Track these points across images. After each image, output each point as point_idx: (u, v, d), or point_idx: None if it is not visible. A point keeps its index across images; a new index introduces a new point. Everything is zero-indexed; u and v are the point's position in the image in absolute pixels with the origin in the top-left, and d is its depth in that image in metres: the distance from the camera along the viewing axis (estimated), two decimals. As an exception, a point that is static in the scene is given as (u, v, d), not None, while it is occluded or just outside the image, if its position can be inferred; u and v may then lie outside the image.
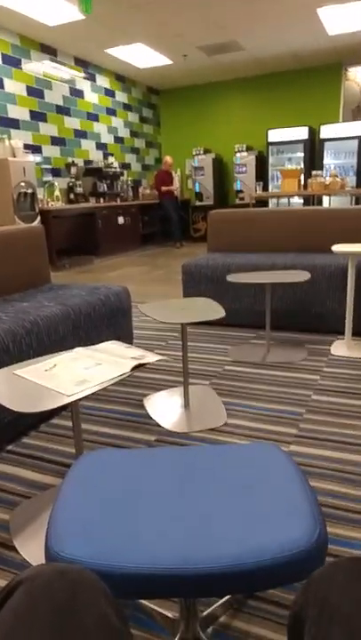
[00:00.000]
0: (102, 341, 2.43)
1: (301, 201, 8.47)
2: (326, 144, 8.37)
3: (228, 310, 3.40)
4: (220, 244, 3.89)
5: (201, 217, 9.38)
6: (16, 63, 6.57)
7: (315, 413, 2.08)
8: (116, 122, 8.81)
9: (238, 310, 3.39)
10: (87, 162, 8.05)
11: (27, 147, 6.77)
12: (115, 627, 0.50)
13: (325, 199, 8.35)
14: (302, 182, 6.93)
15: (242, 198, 8.95)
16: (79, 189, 7.60)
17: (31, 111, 6.88)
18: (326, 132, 8.33)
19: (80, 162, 7.87)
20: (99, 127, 8.33)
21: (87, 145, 8.07)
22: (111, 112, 8.64)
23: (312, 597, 0.52)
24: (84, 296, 2.44)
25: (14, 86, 6.57)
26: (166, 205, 8.53)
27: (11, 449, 1.88)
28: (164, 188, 8.45)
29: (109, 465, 0.97)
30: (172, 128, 10.10)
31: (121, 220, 8.04)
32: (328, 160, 8.49)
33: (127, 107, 9.07)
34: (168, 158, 8.57)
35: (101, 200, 7.90)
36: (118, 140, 8.92)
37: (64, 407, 1.21)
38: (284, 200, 8.24)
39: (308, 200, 8.28)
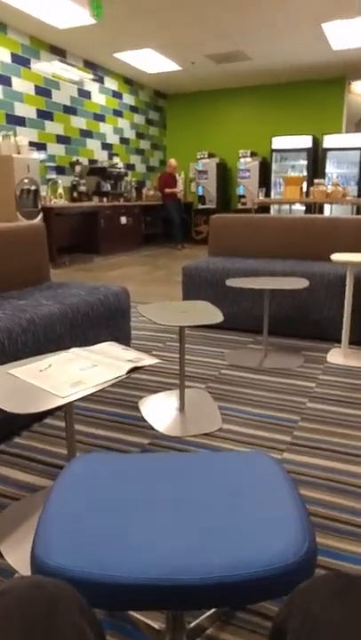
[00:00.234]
0: (100, 341, 2.43)
1: (303, 208, 8.48)
2: (329, 153, 8.41)
3: (227, 314, 3.40)
4: (220, 249, 3.89)
5: (203, 220, 9.39)
6: (25, 63, 6.58)
7: (309, 421, 2.08)
8: (123, 123, 8.83)
9: (237, 314, 3.39)
10: (92, 161, 8.06)
11: (32, 144, 6.77)
12: None
13: (327, 207, 8.37)
14: (304, 190, 6.95)
15: (244, 203, 8.97)
16: (83, 188, 7.61)
17: (38, 110, 6.89)
18: (329, 141, 8.36)
19: (85, 161, 7.88)
20: (105, 127, 8.35)
21: (92, 144, 8.08)
22: (118, 113, 8.66)
23: (295, 609, 0.52)
24: (83, 295, 2.43)
25: (22, 85, 6.58)
26: (169, 207, 8.55)
27: (2, 449, 1.87)
28: (167, 190, 8.46)
29: (100, 470, 0.96)
30: (177, 131, 10.12)
31: (123, 219, 8.05)
32: (330, 169, 8.52)
33: (134, 109, 9.09)
34: (172, 161, 8.59)
35: (105, 199, 7.90)
36: (124, 140, 8.93)
37: (58, 407, 1.21)
38: (286, 207, 8.26)
39: (309, 208, 8.30)
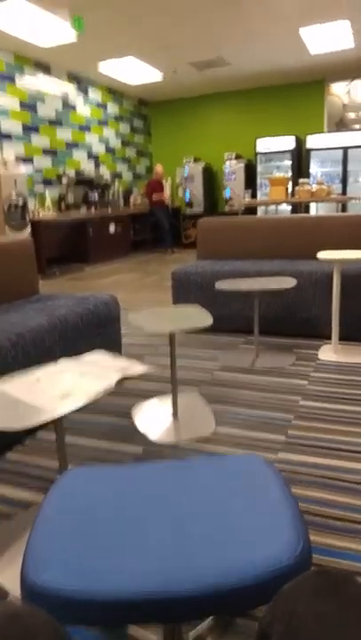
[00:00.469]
0: (90, 351, 2.44)
1: (289, 208, 8.54)
2: (313, 153, 8.48)
3: (218, 316, 3.42)
4: (209, 252, 3.91)
5: (192, 224, 9.43)
6: (9, 79, 6.62)
7: (303, 419, 2.09)
8: (108, 132, 8.87)
9: (228, 316, 3.41)
10: (78, 172, 8.08)
11: (18, 158, 6.79)
12: None
13: (313, 206, 8.43)
14: (290, 190, 6.99)
15: (231, 205, 9.01)
16: (70, 199, 7.62)
17: (24, 124, 6.91)
18: (312, 142, 8.44)
19: (71, 172, 7.90)
20: (90, 138, 8.38)
21: (79, 155, 8.11)
22: (103, 123, 8.69)
23: (279, 613, 0.52)
24: (72, 306, 2.44)
25: (7, 101, 6.61)
26: (157, 213, 8.58)
27: (-3, 462, 1.87)
28: (155, 197, 8.49)
29: (89, 484, 0.96)
30: (162, 138, 10.17)
31: (112, 228, 8.07)
32: (315, 168, 8.59)
33: (118, 118, 9.14)
34: (159, 167, 8.63)
35: (93, 209, 7.92)
36: (110, 150, 8.96)
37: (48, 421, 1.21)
38: (273, 207, 8.31)
39: (295, 207, 8.35)
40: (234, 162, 9.03)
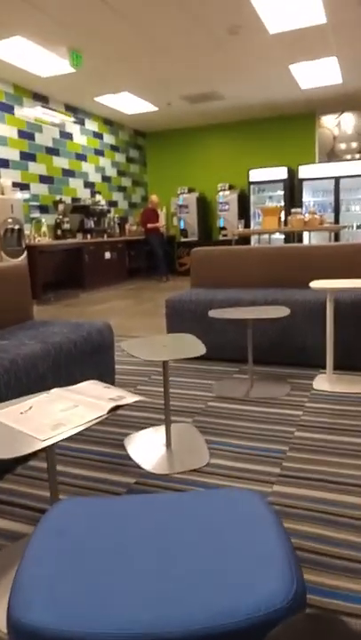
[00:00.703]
0: (84, 379, 2.41)
1: (282, 237, 8.67)
2: (305, 183, 8.67)
3: (212, 344, 3.42)
4: (202, 280, 3.94)
5: (186, 252, 9.54)
6: (9, 109, 6.78)
7: (298, 451, 2.06)
8: (104, 162, 9.03)
9: (221, 344, 3.40)
10: (75, 199, 8.19)
11: (15, 184, 6.88)
12: None
13: (305, 235, 8.57)
14: (283, 219, 7.12)
15: (225, 235, 9.15)
16: (66, 226, 7.70)
17: (21, 152, 7.04)
18: (304, 172, 8.64)
19: (68, 199, 8.01)
20: (87, 167, 8.53)
21: (75, 183, 8.23)
22: (99, 153, 8.87)
23: None
24: (66, 333, 2.42)
25: (6, 130, 6.76)
26: (152, 241, 8.68)
27: (-15, 494, 1.82)
28: (150, 225, 8.61)
29: (81, 516, 0.94)
30: (157, 168, 10.37)
31: (108, 255, 8.13)
32: (307, 198, 8.77)
33: (115, 148, 9.33)
34: (154, 197, 8.78)
35: (88, 236, 7.99)
36: (106, 178, 9.11)
37: (39, 450, 1.19)
38: (266, 236, 8.43)
39: (288, 236, 8.49)
40: (227, 192, 9.21)
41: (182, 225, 9.62)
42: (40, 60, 5.82)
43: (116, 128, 9.31)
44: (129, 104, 8.00)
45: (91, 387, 1.57)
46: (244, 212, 9.15)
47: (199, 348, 2.06)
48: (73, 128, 8.12)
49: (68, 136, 8.02)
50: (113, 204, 9.36)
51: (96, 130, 8.74)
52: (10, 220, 6.13)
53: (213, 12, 4.73)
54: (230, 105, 8.29)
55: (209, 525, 0.90)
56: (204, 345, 2.10)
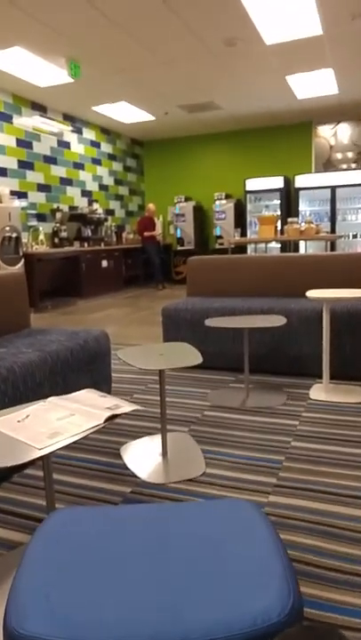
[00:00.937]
0: (80, 387, 2.41)
1: (279, 246, 8.72)
2: (301, 192, 8.73)
3: (208, 353, 3.42)
4: (198, 289, 3.95)
5: (182, 261, 9.57)
6: (7, 118, 6.83)
7: (294, 461, 2.06)
8: (101, 170, 9.08)
9: (218, 353, 3.41)
10: (72, 208, 8.22)
11: (13, 193, 6.90)
12: None
13: (302, 244, 8.62)
14: (279, 228, 7.16)
15: (221, 244, 9.18)
16: (64, 234, 7.72)
17: (19, 160, 7.07)
18: (301, 181, 8.70)
19: (65, 208, 8.03)
20: (84, 175, 8.57)
21: (72, 192, 8.27)
22: (96, 161, 8.91)
23: None
24: (63, 341, 2.43)
25: (4, 138, 6.80)
26: (149, 250, 8.71)
27: (-19, 503, 1.81)
28: (146, 234, 8.64)
29: (75, 527, 0.93)
30: (154, 177, 10.43)
31: (105, 263, 8.14)
32: (303, 207, 8.83)
33: (112, 157, 9.38)
34: (151, 206, 8.83)
35: (86, 244, 8.01)
36: (103, 187, 9.16)
37: (36, 459, 1.19)
38: (262, 245, 8.48)
39: (284, 245, 8.53)
40: (224, 201, 9.27)
41: (179, 233, 9.67)
42: (39, 71, 5.87)
43: (113, 137, 9.37)
44: (126, 113, 8.07)
45: (87, 395, 1.58)
46: (240, 220, 9.20)
47: (196, 357, 2.06)
48: (71, 137, 8.17)
49: (66, 145, 8.07)
50: (110, 212, 9.40)
51: (93, 139, 8.79)
52: (7, 229, 6.15)
53: (211, 23, 4.79)
54: (227, 114, 8.36)
55: (205, 536, 0.90)
56: (200, 354, 2.11)
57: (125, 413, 1.42)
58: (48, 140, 7.63)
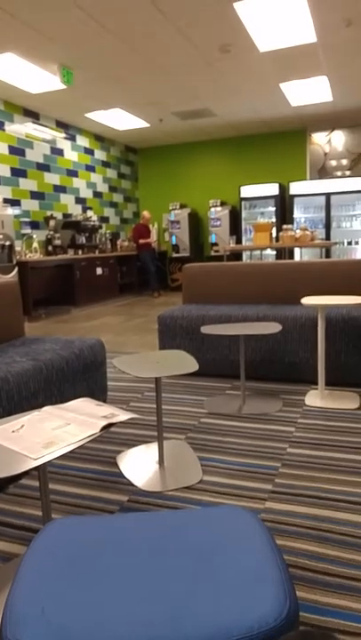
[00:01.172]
0: (75, 396, 2.40)
1: (274, 253, 8.76)
2: (296, 199, 8.79)
3: (204, 360, 3.42)
4: (194, 296, 3.96)
5: (178, 268, 9.59)
6: (-1, 125, 6.84)
7: (290, 467, 2.06)
8: (95, 177, 9.10)
9: (214, 360, 3.41)
10: (66, 215, 8.22)
11: (6, 200, 6.90)
12: None
13: (297, 251, 8.66)
14: (274, 235, 7.19)
15: (217, 251, 9.22)
16: (58, 241, 7.71)
17: (12, 168, 7.07)
18: (295, 188, 8.76)
19: (59, 215, 8.03)
20: (78, 182, 8.58)
21: (66, 199, 8.27)
22: (90, 169, 8.94)
23: None
24: (58, 350, 2.42)
25: (-4, 145, 6.80)
26: (144, 257, 8.72)
27: (-25, 514, 1.79)
28: (141, 241, 8.66)
29: (74, 536, 0.93)
30: (149, 184, 10.47)
31: (99, 270, 8.14)
32: (298, 214, 8.88)
33: (106, 164, 9.41)
34: (146, 213, 8.85)
35: (80, 252, 8.01)
36: (97, 194, 9.17)
37: (31, 469, 1.18)
38: (257, 252, 8.51)
39: (279, 252, 8.57)
40: (219, 208, 9.31)
41: (174, 241, 9.69)
42: (31, 77, 5.88)
43: (107, 144, 9.41)
44: (120, 120, 8.10)
45: (83, 404, 1.57)
46: (235, 228, 9.24)
47: (192, 365, 2.06)
48: (64, 144, 8.19)
49: (59, 152, 8.08)
50: (104, 219, 9.41)
51: (87, 146, 8.82)
52: (0, 237, 6.14)
53: (205, 30, 4.83)
54: (222, 121, 8.42)
55: (202, 543, 0.90)
56: (196, 361, 2.11)
57: (121, 422, 1.41)
58: (41, 148, 7.65)
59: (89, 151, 8.87)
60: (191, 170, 10.00)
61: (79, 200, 8.62)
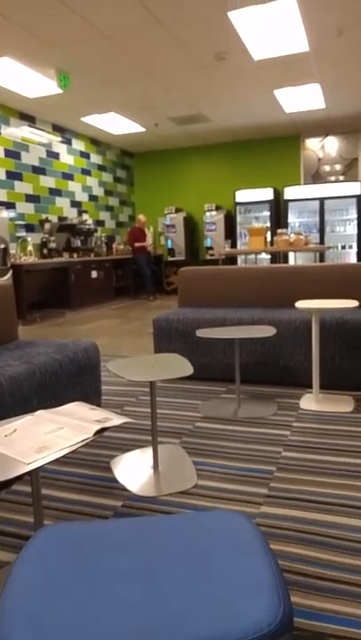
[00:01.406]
0: (69, 400, 2.38)
1: (268, 257, 8.78)
2: (290, 204, 8.83)
3: (199, 364, 3.42)
4: (190, 300, 3.95)
5: (173, 271, 9.59)
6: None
7: (285, 471, 2.05)
8: (91, 181, 9.10)
9: (209, 364, 3.40)
10: (61, 218, 8.21)
11: (1, 203, 6.88)
12: None
13: (291, 255, 8.69)
14: (268, 240, 7.21)
15: (212, 255, 9.23)
16: (53, 245, 7.69)
17: (7, 171, 7.06)
18: (290, 193, 8.80)
19: (54, 218, 8.02)
20: (73, 186, 8.58)
21: (62, 202, 8.27)
22: (86, 172, 8.94)
23: None
24: (51, 353, 2.40)
25: (-8, 148, 6.79)
26: (140, 260, 8.72)
27: (-33, 519, 1.77)
28: (137, 244, 8.66)
29: (66, 542, 0.92)
30: (145, 188, 10.48)
31: (94, 274, 8.12)
32: (292, 219, 8.92)
33: (102, 167, 9.42)
34: (141, 216, 8.86)
35: (75, 255, 7.99)
36: (93, 198, 9.17)
37: (23, 474, 1.16)
38: (252, 256, 8.53)
39: (274, 256, 8.59)
40: (214, 212, 9.33)
41: (170, 244, 9.70)
42: (27, 81, 5.88)
43: (103, 148, 9.42)
44: (116, 124, 8.11)
45: (76, 408, 1.56)
46: (230, 232, 9.26)
47: (187, 368, 2.05)
48: (60, 147, 8.19)
49: (55, 155, 8.08)
50: (100, 223, 9.41)
51: (83, 149, 8.82)
52: (-4, 239, 6.11)
53: (200, 37, 4.86)
54: (217, 127, 8.45)
55: (196, 548, 0.89)
56: (191, 365, 2.10)
57: (115, 426, 1.40)
58: (37, 151, 7.64)
59: (85, 155, 8.87)
60: (187, 174, 10.02)
61: (75, 203, 8.61)
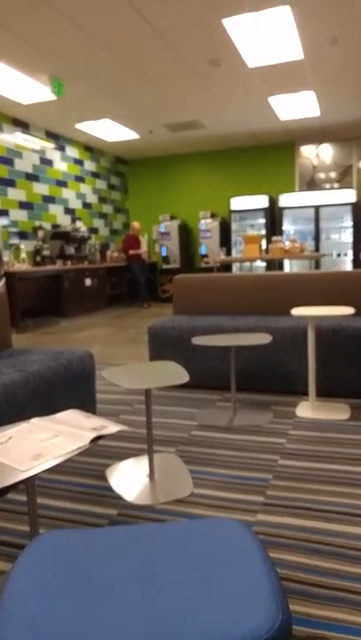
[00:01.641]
0: (64, 408, 2.36)
1: (264, 264, 8.80)
2: (285, 212, 8.87)
3: (195, 372, 3.40)
4: (185, 307, 3.95)
5: (168, 279, 9.60)
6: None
7: (282, 479, 2.04)
8: (85, 188, 9.11)
9: (204, 372, 3.39)
10: (55, 226, 8.20)
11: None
12: None
13: (287, 263, 8.72)
14: (263, 247, 7.24)
15: (207, 262, 9.24)
16: (46, 252, 7.67)
17: (0, 178, 7.04)
18: (285, 200, 8.85)
19: (48, 225, 8.01)
20: (67, 193, 8.58)
21: (55, 209, 8.26)
22: (80, 179, 8.95)
23: None
24: (46, 361, 2.38)
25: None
26: (134, 268, 8.71)
27: None
28: (131, 252, 8.66)
29: (62, 550, 0.90)
30: (139, 195, 10.51)
31: (88, 281, 8.11)
32: (287, 226, 8.96)
33: (95, 174, 9.43)
34: (136, 224, 8.86)
35: (69, 263, 7.98)
36: (86, 205, 9.18)
37: (19, 482, 1.15)
38: (248, 264, 8.56)
39: (269, 264, 8.63)
40: (209, 220, 9.36)
41: (164, 252, 9.70)
42: (21, 87, 5.89)
43: (97, 155, 9.44)
44: (110, 131, 8.14)
45: (72, 416, 1.54)
46: (225, 239, 9.29)
47: (182, 376, 2.04)
48: (53, 154, 8.20)
49: (49, 162, 8.08)
50: (94, 230, 9.41)
51: (77, 156, 8.84)
52: (-10, 247, 6.09)
53: (195, 45, 4.90)
54: (211, 134, 8.50)
55: (193, 557, 0.88)
56: (187, 372, 2.09)
57: (111, 434, 1.38)
58: (30, 158, 7.64)
59: (78, 162, 8.89)
60: (181, 181, 10.06)
61: (68, 211, 8.61)
